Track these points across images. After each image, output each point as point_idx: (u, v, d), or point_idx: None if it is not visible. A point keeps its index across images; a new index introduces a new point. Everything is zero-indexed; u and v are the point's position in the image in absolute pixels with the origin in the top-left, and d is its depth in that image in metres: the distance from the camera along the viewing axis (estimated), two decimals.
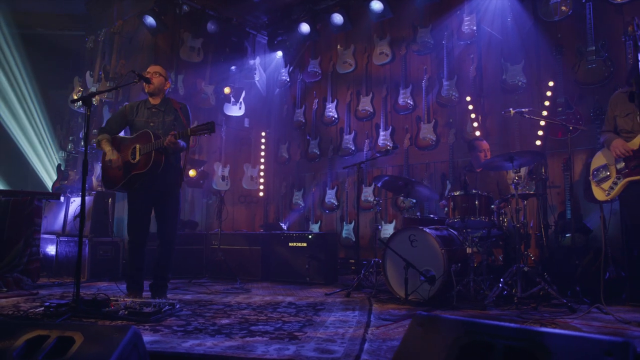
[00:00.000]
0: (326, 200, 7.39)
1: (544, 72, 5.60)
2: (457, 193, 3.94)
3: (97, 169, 6.53)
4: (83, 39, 7.87)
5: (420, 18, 6.64)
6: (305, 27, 7.34)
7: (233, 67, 7.39)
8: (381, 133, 6.90)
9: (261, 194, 7.93)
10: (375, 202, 4.86)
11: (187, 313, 3.39)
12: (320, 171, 7.63)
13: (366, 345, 2.48)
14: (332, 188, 7.38)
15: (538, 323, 3.06)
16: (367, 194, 6.98)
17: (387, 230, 6.69)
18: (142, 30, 6.75)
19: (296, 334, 2.73)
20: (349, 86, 7.46)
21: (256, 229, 7.80)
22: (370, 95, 7.14)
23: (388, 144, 6.80)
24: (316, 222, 7.49)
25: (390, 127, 6.84)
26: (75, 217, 5.59)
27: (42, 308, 3.18)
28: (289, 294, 4.48)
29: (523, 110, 3.93)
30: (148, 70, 3.94)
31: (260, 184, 7.91)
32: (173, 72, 6.73)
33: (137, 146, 3.75)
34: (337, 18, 7.00)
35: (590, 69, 5.22)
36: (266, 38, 8.16)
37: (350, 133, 7.28)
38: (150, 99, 3.95)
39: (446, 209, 4.09)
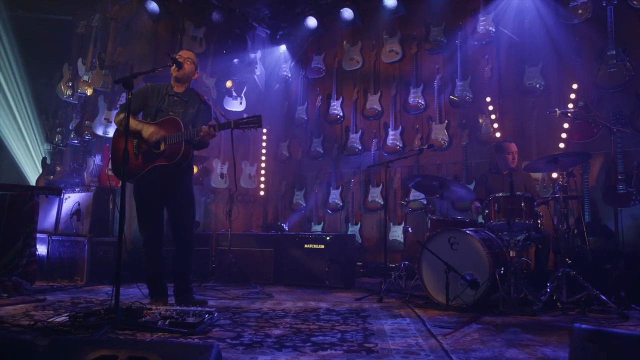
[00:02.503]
0: (330, 200, 7.15)
1: (563, 75, 5.57)
2: (501, 195, 3.80)
3: (91, 163, 6.07)
4: (70, 24, 7.35)
5: (434, 16, 6.52)
6: (312, 22, 7.09)
7: (236, 60, 7.06)
8: (390, 132, 6.73)
9: (262, 192, 7.62)
10: (405, 202, 4.65)
11: (227, 322, 3.09)
12: (324, 170, 7.39)
13: (454, 358, 2.28)
14: (337, 188, 7.16)
15: None
16: (375, 194, 6.80)
17: (396, 232, 6.54)
18: (142, 17, 6.33)
19: (368, 345, 2.50)
20: (355, 84, 7.25)
21: (254, 229, 7.48)
22: (379, 93, 6.96)
23: (398, 144, 6.65)
24: (319, 223, 7.25)
25: (400, 127, 6.69)
26: (72, 214, 5.14)
27: (67, 318, 2.82)
28: (317, 299, 4.23)
29: (568, 110, 3.83)
30: (180, 54, 3.61)
31: (261, 182, 7.60)
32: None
33: (162, 134, 3.39)
34: (347, 13, 6.79)
35: (611, 73, 5.21)
36: (266, 31, 7.85)
37: (356, 132, 7.08)
38: (175, 86, 3.61)
39: (487, 210, 3.93)
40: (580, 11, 5.47)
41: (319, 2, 7.23)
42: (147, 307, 2.94)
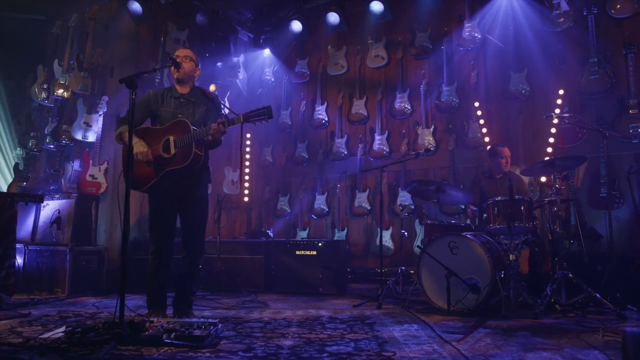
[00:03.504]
0: (315, 206, 7.08)
1: (548, 81, 5.70)
2: (501, 198, 3.83)
3: (69, 168, 5.80)
4: (43, 23, 7.03)
5: (420, 22, 6.57)
6: (296, 25, 7.03)
7: (219, 64, 6.90)
8: (377, 137, 6.73)
9: (246, 199, 7.47)
10: (400, 207, 4.62)
11: (232, 333, 2.96)
12: (309, 176, 7.31)
13: None
14: (322, 193, 7.09)
15: (614, 333, 2.97)
16: (362, 199, 6.77)
17: (384, 237, 6.51)
18: (122, 18, 6.11)
19: (386, 354, 2.43)
20: (340, 88, 7.23)
21: (237, 236, 7.31)
22: (364, 98, 6.96)
23: (384, 148, 6.66)
24: (304, 229, 7.16)
25: (387, 132, 6.70)
26: (52, 222, 4.87)
27: (62, 334, 2.63)
28: (315, 307, 4.14)
29: (565, 115, 3.91)
30: (177, 53, 3.46)
31: (245, 188, 7.45)
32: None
33: (171, 138, 3.23)
34: (333, 17, 6.76)
35: (593, 80, 5.37)
36: (249, 35, 7.73)
37: (342, 137, 7.04)
38: (178, 87, 3.47)
39: (485, 214, 3.95)
40: (562, 19, 5.62)
41: (303, 6, 7.18)
42: (149, 319, 2.78)
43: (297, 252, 5.17)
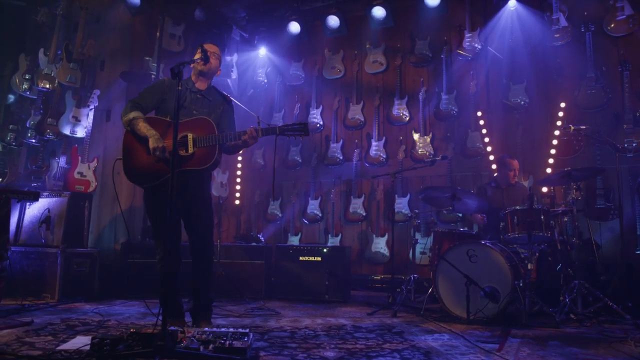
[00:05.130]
0: (308, 211, 6.95)
1: (547, 94, 5.83)
2: (520, 207, 3.85)
3: (54, 165, 5.44)
4: (23, 10, 6.61)
5: (420, 30, 6.60)
6: (294, 27, 6.91)
7: None
8: (373, 143, 6.69)
9: (237, 202, 7.25)
10: (413, 214, 4.58)
11: (264, 344, 2.81)
12: (302, 180, 7.18)
13: None
14: (316, 198, 6.98)
15: None
16: (357, 205, 6.70)
17: (378, 244, 6.47)
18: (117, 9, 5.82)
19: None
20: (336, 93, 7.15)
21: (224, 241, 7.07)
22: (361, 103, 6.91)
23: (381, 155, 6.62)
24: (296, 234, 7.02)
25: (384, 138, 6.67)
26: (41, 222, 4.53)
27: (89, 346, 2.40)
28: (329, 315, 4.02)
29: (581, 127, 3.98)
30: (205, 47, 3.28)
31: (236, 191, 7.24)
32: (152, 61, 5.88)
33: (190, 135, 3.04)
34: (333, 21, 6.69)
35: (590, 94, 5.53)
36: (242, 34, 7.54)
37: (337, 141, 6.96)
38: (196, 82, 3.29)
39: (502, 223, 3.96)
40: (561, 35, 5.76)
41: (300, 7, 7.08)
42: (181, 330, 2.59)
43: (301, 258, 5.03)
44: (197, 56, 3.22)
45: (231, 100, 3.38)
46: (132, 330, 2.39)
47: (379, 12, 6.38)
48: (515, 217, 3.84)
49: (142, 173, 3.09)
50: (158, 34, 5.95)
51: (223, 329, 2.84)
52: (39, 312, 3.72)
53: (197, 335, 2.59)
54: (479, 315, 3.67)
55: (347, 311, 4.27)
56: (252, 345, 2.71)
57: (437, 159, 4.38)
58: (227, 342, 2.47)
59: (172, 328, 2.51)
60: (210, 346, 2.45)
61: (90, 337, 2.47)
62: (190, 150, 3.02)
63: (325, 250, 5.00)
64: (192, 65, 3.29)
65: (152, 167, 3.05)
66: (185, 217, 3.20)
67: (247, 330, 2.78)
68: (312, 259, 4.99)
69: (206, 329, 2.86)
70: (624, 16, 5.52)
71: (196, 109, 3.19)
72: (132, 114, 3.09)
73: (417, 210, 4.57)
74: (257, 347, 2.70)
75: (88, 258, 4.56)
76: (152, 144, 2.98)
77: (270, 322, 3.60)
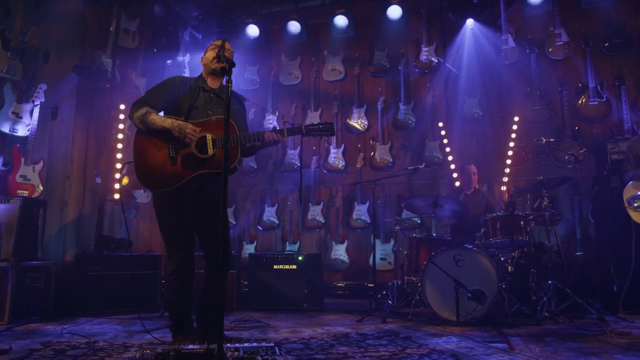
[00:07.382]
0: (264, 218, 6.79)
1: (499, 108, 6.28)
2: (501, 214, 4.08)
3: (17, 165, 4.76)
4: None
5: (379, 41, 6.78)
6: (253, 30, 6.76)
7: (169, 61, 6.31)
8: (332, 150, 6.73)
9: None
10: (395, 220, 4.64)
11: (293, 358, 2.68)
12: (256, 187, 7.00)
13: None
14: (272, 205, 6.84)
15: (622, 335, 3.32)
16: (315, 212, 6.67)
17: (338, 251, 6.50)
18: None
19: None
20: (293, 99, 7.09)
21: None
22: (319, 111, 6.93)
23: (340, 162, 6.68)
24: (251, 242, 6.81)
25: (343, 145, 6.74)
26: None
27: None
28: (320, 324, 3.93)
29: (551, 140, 4.33)
30: (225, 45, 3.06)
31: None
32: (106, 56, 5.40)
33: (209, 136, 2.83)
34: (294, 27, 6.65)
35: (536, 110, 6.06)
36: (195, 34, 7.21)
37: (295, 148, 6.89)
38: (210, 80, 3.06)
39: (483, 228, 4.17)
40: (509, 54, 6.24)
41: (258, 11, 6.95)
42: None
43: (275, 267, 4.88)
44: (211, 53, 3.00)
45: (244, 99, 3.20)
46: (182, 349, 2.15)
47: (341, 20, 6.46)
48: (498, 223, 4.07)
49: (159, 177, 2.80)
50: (112, 28, 5.49)
51: (248, 344, 2.66)
52: (10, 332, 3.20)
53: (230, 353, 2.41)
54: (469, 317, 3.81)
55: (334, 319, 4.21)
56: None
57: (420, 167, 4.52)
58: (269, 358, 2.32)
59: (193, 346, 2.32)
60: None
61: None
62: (210, 151, 2.81)
63: (300, 258, 4.90)
64: (203, 63, 3.06)
65: (169, 169, 2.79)
66: (201, 225, 2.96)
67: (272, 344, 2.65)
68: (287, 267, 4.87)
69: (237, 344, 2.66)
70: (561, 42, 6.14)
71: (211, 108, 2.98)
72: (143, 110, 2.81)
73: (398, 217, 4.64)
74: None
75: (43, 272, 4.03)
76: (180, 129, 2.75)
77: (270, 334, 3.44)
